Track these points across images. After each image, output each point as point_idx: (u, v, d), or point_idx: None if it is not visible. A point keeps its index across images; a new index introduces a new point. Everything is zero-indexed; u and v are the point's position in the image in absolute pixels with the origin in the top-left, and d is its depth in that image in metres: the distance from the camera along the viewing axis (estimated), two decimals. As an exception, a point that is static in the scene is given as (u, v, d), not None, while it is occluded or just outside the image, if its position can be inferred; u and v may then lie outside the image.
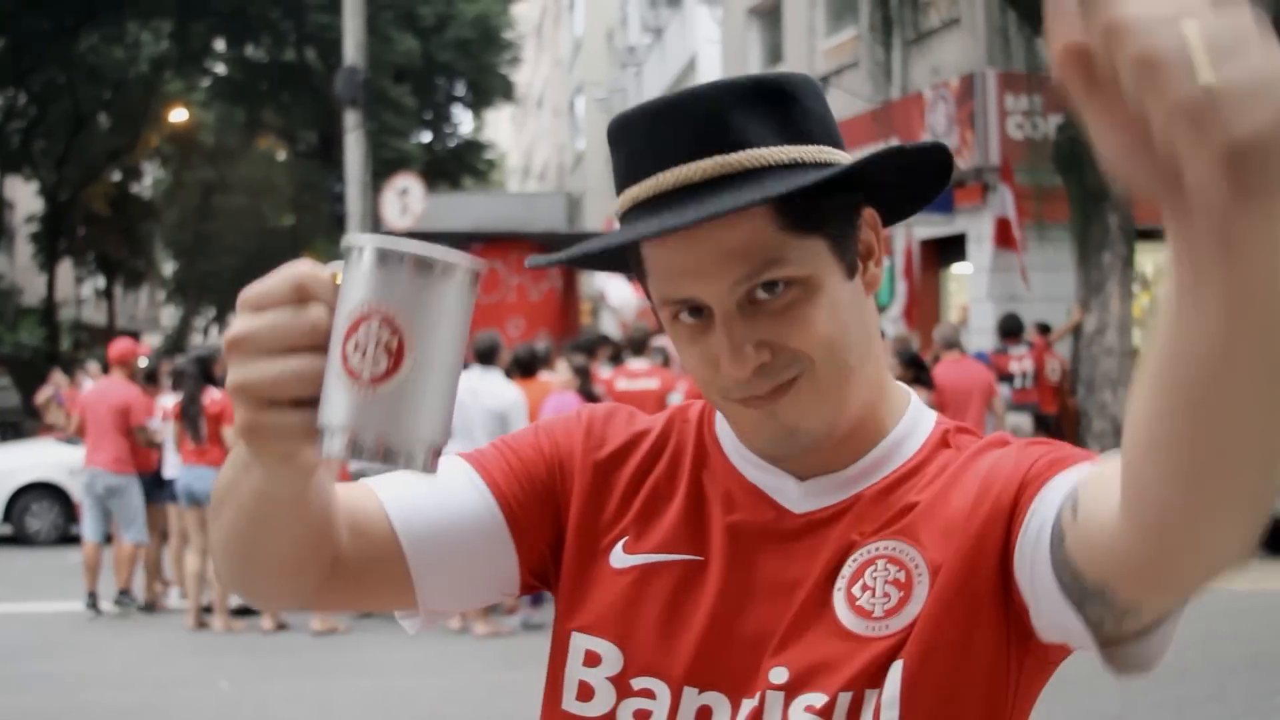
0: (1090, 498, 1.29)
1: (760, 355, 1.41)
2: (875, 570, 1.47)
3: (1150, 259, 19.28)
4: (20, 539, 16.67)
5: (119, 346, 12.49)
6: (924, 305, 19.45)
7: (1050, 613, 1.38)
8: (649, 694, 1.50)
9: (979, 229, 18.24)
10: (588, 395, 11.46)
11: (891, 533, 1.48)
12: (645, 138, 1.45)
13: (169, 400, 11.99)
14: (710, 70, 29.49)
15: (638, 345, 12.52)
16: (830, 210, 1.45)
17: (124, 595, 11.99)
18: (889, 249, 16.26)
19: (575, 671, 1.54)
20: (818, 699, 1.44)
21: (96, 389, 12.61)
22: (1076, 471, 1.38)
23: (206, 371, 11.67)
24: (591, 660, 1.54)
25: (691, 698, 1.49)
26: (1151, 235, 17.40)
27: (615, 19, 42.06)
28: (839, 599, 1.47)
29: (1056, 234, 16.72)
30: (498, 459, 1.62)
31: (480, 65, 39.34)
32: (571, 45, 51.07)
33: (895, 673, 1.42)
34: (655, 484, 1.60)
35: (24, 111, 38.94)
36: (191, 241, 56.48)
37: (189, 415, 11.54)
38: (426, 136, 41.72)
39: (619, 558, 1.57)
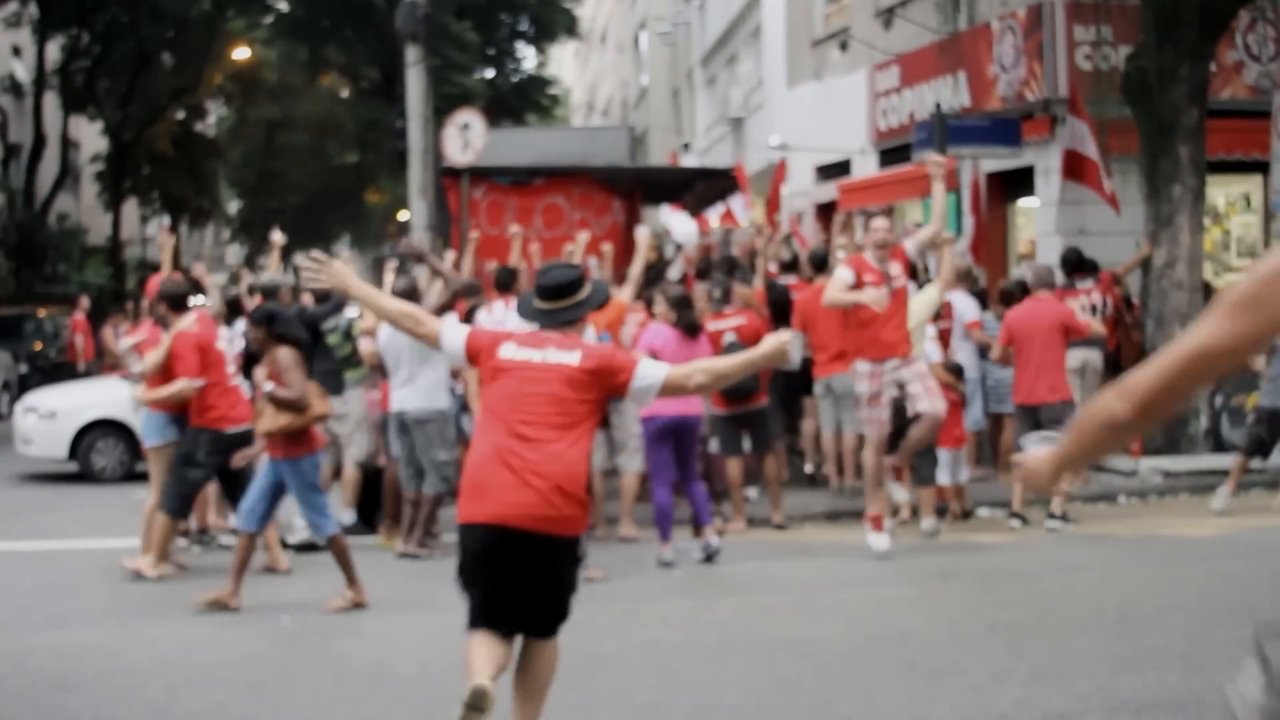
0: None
1: None
2: None
3: (1221, 192, 19.01)
4: (86, 476, 16.86)
5: (152, 285, 12.19)
6: (991, 239, 19.28)
7: None
8: None
9: (1047, 162, 18.02)
10: (689, 326, 11.24)
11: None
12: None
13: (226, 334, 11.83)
14: (774, 4, 29.18)
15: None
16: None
17: (203, 534, 12.06)
18: (957, 183, 16.02)
19: None
20: None
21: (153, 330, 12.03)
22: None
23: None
24: None
25: None
26: (1222, 168, 17.15)
27: (678, -48, 41.71)
28: None
29: (1125, 167, 16.50)
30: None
31: (543, 0, 39.14)
32: (634, -21, 50.77)
33: None
34: None
35: (88, 51, 39.15)
36: (255, 179, 56.80)
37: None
38: (489, 72, 41.45)
39: None
